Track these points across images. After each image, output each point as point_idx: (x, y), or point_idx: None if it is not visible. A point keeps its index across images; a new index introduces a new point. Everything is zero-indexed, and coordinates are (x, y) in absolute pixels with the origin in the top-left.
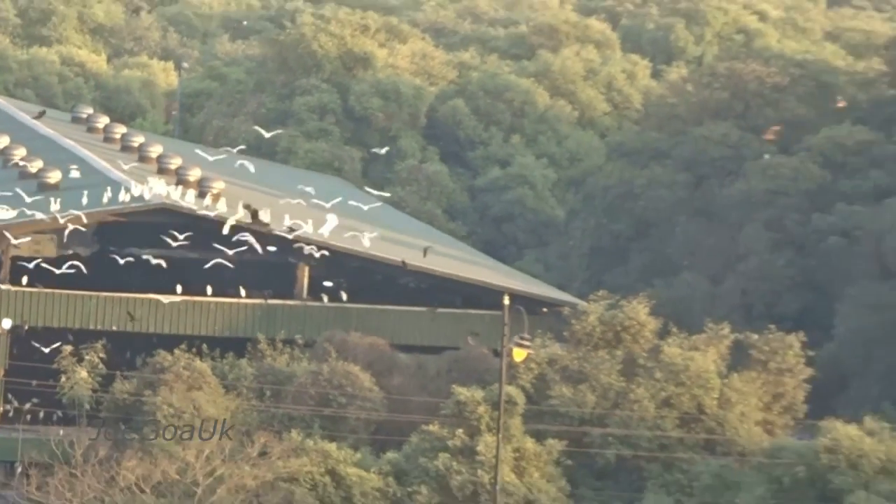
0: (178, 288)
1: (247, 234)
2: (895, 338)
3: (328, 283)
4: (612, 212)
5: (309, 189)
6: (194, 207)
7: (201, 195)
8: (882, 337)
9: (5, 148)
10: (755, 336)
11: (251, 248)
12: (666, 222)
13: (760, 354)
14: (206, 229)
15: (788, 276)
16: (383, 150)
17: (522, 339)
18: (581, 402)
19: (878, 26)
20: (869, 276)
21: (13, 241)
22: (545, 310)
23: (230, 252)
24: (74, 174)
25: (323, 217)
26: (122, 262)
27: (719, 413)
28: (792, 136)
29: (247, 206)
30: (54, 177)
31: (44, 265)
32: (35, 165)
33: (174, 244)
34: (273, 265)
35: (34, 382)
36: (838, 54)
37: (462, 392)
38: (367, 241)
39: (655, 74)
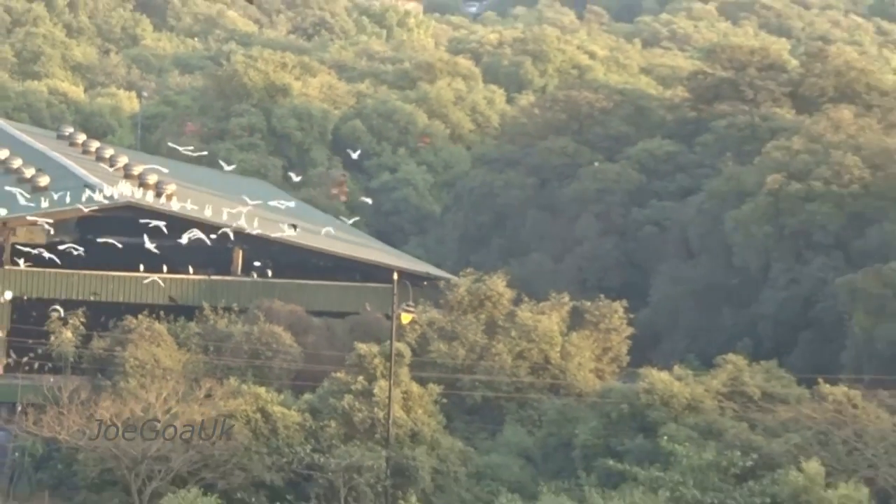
0: (141, 267)
1: (195, 229)
2: (696, 304)
3: (257, 263)
4: (476, 207)
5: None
6: (152, 204)
7: (158, 195)
8: (686, 303)
9: (6, 158)
10: (588, 303)
11: (193, 232)
12: (519, 215)
13: (592, 317)
14: (161, 219)
15: (614, 256)
16: (355, 154)
17: (408, 306)
18: (454, 355)
19: (681, 62)
20: (676, 256)
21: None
22: (425, 283)
23: (183, 240)
24: (59, 179)
25: (253, 213)
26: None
27: (561, 363)
28: (615, 147)
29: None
30: (44, 181)
31: (36, 251)
32: (29, 172)
33: (147, 237)
34: (214, 250)
35: (30, 341)
36: (651, 84)
37: (361, 347)
38: (287, 231)
39: (510, 100)
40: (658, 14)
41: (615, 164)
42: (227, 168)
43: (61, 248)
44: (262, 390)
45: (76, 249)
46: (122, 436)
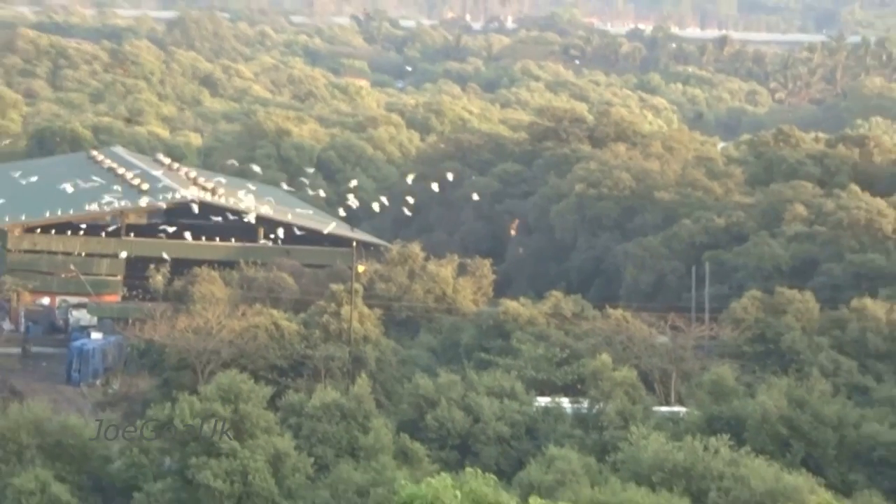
0: (203, 238)
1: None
2: (533, 261)
3: (272, 235)
4: (402, 203)
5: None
6: (208, 200)
7: (213, 194)
8: (527, 261)
9: (122, 173)
10: (469, 261)
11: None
12: (428, 208)
13: (471, 269)
14: (215, 209)
15: (484, 233)
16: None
17: (361, 262)
18: (389, 291)
19: (523, 117)
20: (521, 233)
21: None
22: (372, 248)
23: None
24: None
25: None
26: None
27: (453, 296)
28: (484, 168)
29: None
30: (145, 186)
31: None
32: (136, 181)
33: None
34: (245, 227)
35: (137, 282)
36: (506, 130)
37: (334, 286)
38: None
39: (422, 139)
40: (509, 88)
41: (484, 177)
42: (256, 169)
43: (160, 226)
44: (274, 311)
45: (167, 227)
46: (192, 337)
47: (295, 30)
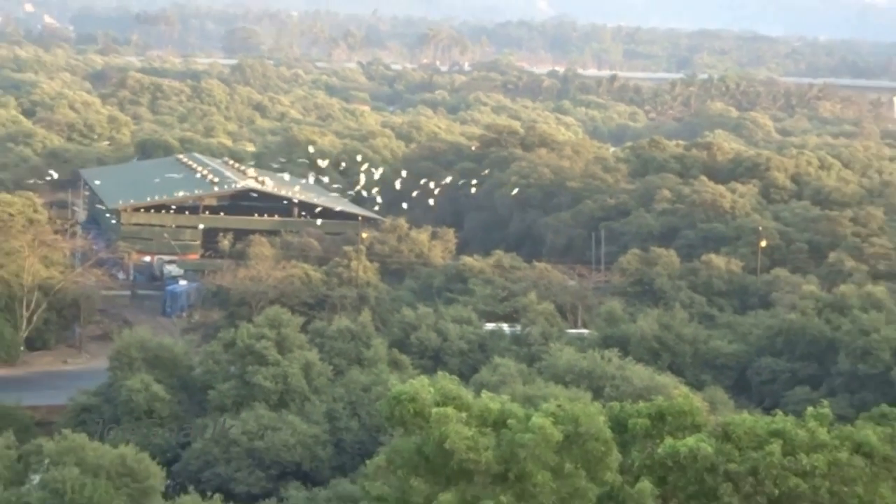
0: (255, 214)
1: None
2: (482, 231)
3: (303, 213)
4: (391, 190)
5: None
6: (259, 188)
7: (261, 183)
8: (478, 231)
9: (199, 171)
10: (437, 229)
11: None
12: (412, 193)
13: (440, 235)
14: (264, 195)
15: (449, 210)
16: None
17: (365, 231)
18: (383, 250)
19: (476, 130)
20: (474, 210)
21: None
22: (372, 221)
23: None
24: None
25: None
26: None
27: (427, 254)
28: (449, 166)
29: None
30: (215, 179)
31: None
32: (209, 176)
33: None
34: (284, 206)
35: (210, 245)
36: (463, 139)
37: (346, 248)
38: (316, 199)
39: (407, 146)
40: (466, 110)
41: (448, 172)
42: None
43: (225, 206)
44: (305, 265)
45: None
46: (248, 283)
47: (319, 72)
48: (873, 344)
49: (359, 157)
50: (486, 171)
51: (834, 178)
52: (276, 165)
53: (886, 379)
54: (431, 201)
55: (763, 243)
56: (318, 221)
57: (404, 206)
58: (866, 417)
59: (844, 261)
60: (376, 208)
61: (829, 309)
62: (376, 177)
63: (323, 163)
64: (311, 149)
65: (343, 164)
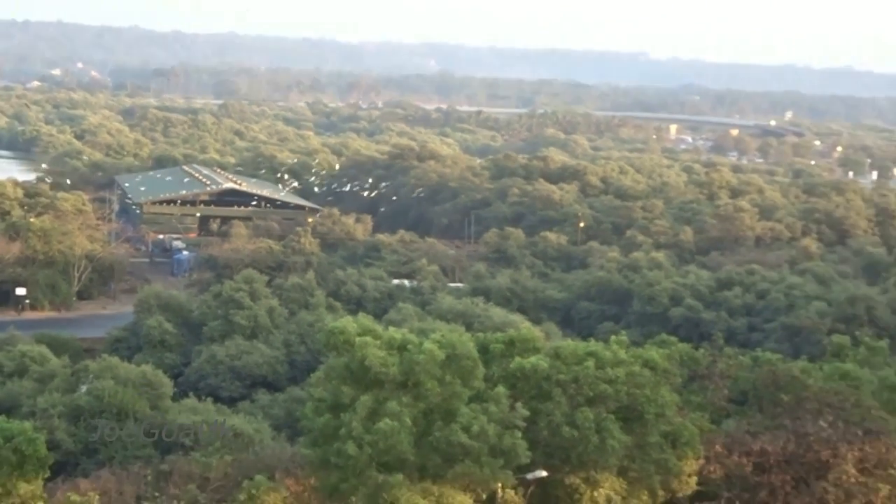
0: (235, 206)
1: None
2: (392, 217)
3: (268, 205)
4: (330, 194)
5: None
6: (238, 188)
7: (239, 185)
8: (389, 217)
9: (197, 175)
10: (361, 216)
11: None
12: (343, 191)
13: (362, 220)
14: (241, 193)
15: (369, 203)
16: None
17: (311, 218)
18: (323, 230)
19: (386, 148)
20: (388, 202)
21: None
22: (315, 210)
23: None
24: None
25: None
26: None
27: (354, 232)
28: (369, 172)
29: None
30: (207, 181)
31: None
32: (203, 179)
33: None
34: (255, 199)
35: (204, 227)
36: (378, 154)
37: (298, 229)
38: (277, 195)
39: (339, 160)
40: (380, 134)
41: (367, 176)
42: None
43: (214, 200)
44: (269, 241)
45: (217, 202)
46: (230, 253)
47: (279, 109)
48: (656, 292)
49: (307, 168)
50: (393, 177)
51: (629, 179)
52: (249, 172)
53: (666, 316)
54: (356, 197)
55: (581, 224)
56: (278, 210)
57: (336, 200)
58: (652, 343)
59: (637, 236)
60: (319, 202)
61: (626, 268)
62: (318, 180)
63: (282, 171)
64: (274, 161)
65: (297, 172)
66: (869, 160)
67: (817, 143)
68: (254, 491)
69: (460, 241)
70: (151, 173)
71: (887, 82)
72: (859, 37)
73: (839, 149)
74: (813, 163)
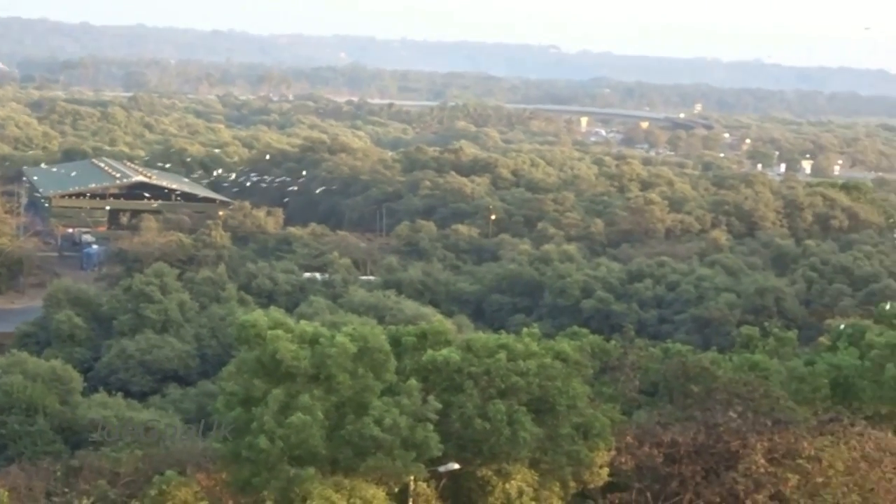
0: (145, 198)
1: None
2: (303, 209)
3: (180, 198)
4: (241, 187)
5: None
6: (147, 181)
7: (149, 178)
8: (299, 209)
9: (107, 168)
10: (272, 209)
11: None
12: (253, 183)
13: (273, 213)
14: (151, 186)
15: (279, 195)
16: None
17: (222, 211)
18: (234, 223)
19: (298, 140)
20: (299, 195)
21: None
22: (226, 204)
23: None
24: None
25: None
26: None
27: (265, 225)
28: (280, 164)
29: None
30: (117, 174)
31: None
32: (113, 172)
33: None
34: (166, 193)
35: (113, 220)
36: (290, 146)
37: (208, 222)
38: (188, 189)
39: (250, 152)
40: (291, 127)
41: (279, 170)
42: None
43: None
44: (180, 234)
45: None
46: (140, 246)
47: (189, 102)
48: (567, 285)
49: (218, 160)
50: (304, 170)
51: (541, 172)
52: (160, 166)
53: (577, 308)
54: (268, 189)
55: (493, 217)
56: (189, 204)
57: (248, 193)
58: (563, 335)
59: (548, 228)
60: (230, 195)
61: (537, 261)
62: (229, 173)
63: (195, 164)
64: (184, 154)
65: (208, 165)
66: (777, 152)
67: (726, 135)
68: (164, 486)
69: (372, 234)
70: (60, 166)
71: (795, 75)
72: (767, 30)
73: (748, 141)
74: (722, 155)
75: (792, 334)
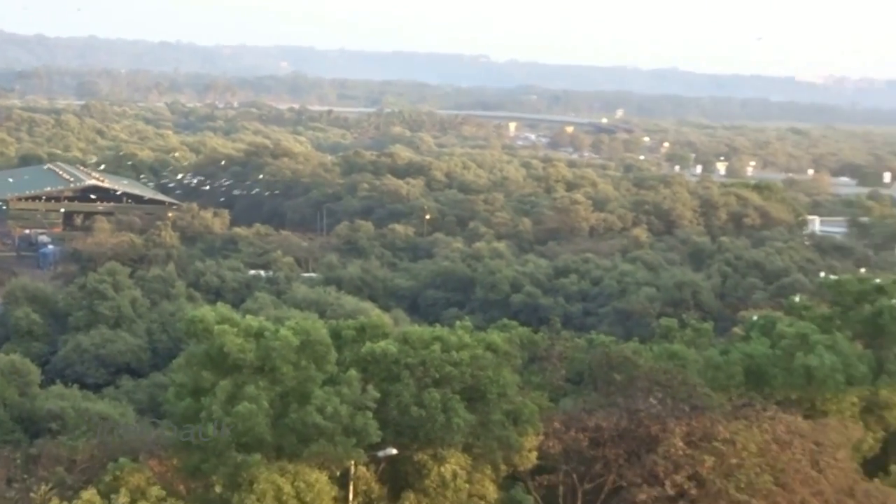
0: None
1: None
2: (247, 211)
3: (130, 200)
4: (189, 190)
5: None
6: (100, 184)
7: (102, 182)
8: (245, 211)
9: (62, 173)
10: (218, 210)
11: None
12: (197, 184)
13: (219, 214)
14: (103, 189)
15: (228, 198)
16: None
17: (171, 212)
18: (183, 224)
19: (243, 146)
20: (244, 197)
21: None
22: (174, 205)
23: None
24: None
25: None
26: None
27: (212, 226)
28: (226, 168)
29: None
30: (71, 178)
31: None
32: (67, 176)
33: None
34: (117, 196)
35: (69, 222)
36: (235, 151)
37: (158, 223)
38: (138, 191)
39: (197, 157)
40: (237, 133)
41: (225, 173)
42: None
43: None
44: (131, 234)
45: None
46: (94, 247)
47: (139, 109)
48: (497, 280)
49: (167, 165)
50: (249, 173)
51: (472, 174)
52: (112, 170)
53: (507, 302)
54: (214, 192)
55: (427, 217)
56: (140, 206)
57: (195, 195)
58: (494, 327)
59: (479, 227)
60: (178, 197)
61: (469, 258)
62: (178, 176)
63: (143, 168)
64: (134, 158)
65: (157, 169)
66: (693, 155)
67: (646, 139)
68: (118, 472)
69: (313, 234)
70: (17, 171)
71: (709, 82)
72: (683, 39)
73: (666, 144)
74: (642, 158)
75: (708, 325)
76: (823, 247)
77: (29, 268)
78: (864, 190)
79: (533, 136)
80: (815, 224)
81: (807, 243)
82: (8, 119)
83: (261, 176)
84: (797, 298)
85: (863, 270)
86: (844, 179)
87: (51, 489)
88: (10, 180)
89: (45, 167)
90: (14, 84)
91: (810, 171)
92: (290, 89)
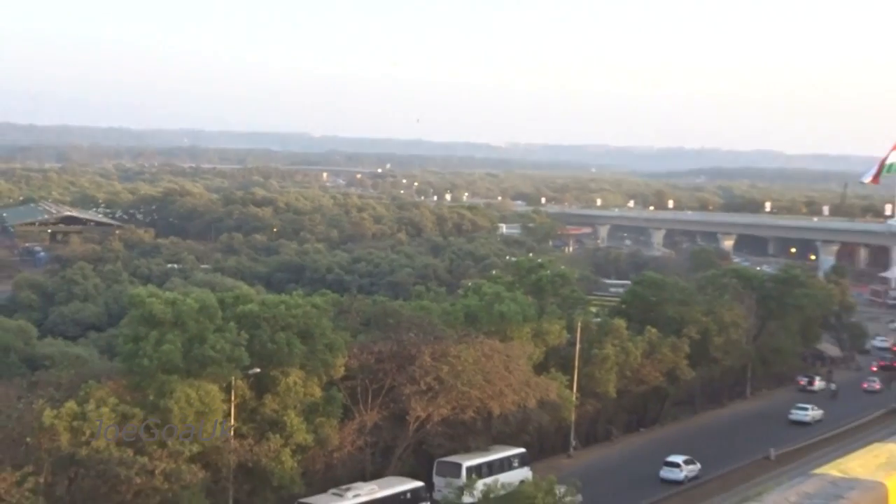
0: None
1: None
2: (168, 230)
3: (93, 223)
4: (130, 217)
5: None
6: (75, 214)
7: (78, 213)
8: (165, 231)
9: (47, 207)
10: (155, 230)
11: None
12: (149, 216)
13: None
14: (77, 218)
15: (153, 224)
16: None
17: (119, 231)
18: (131, 238)
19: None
20: (175, 216)
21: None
22: (121, 227)
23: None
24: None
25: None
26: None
27: (153, 242)
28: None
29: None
30: (54, 210)
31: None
32: (50, 208)
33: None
34: (85, 222)
35: (56, 239)
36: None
37: (110, 238)
38: (98, 217)
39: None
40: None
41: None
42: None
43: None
44: (94, 245)
45: (61, 223)
46: (69, 252)
47: (97, 169)
48: (318, 266)
49: (122, 201)
50: (166, 206)
51: (302, 203)
52: (80, 205)
53: (324, 279)
54: (165, 221)
55: (275, 229)
56: (97, 227)
57: (144, 222)
58: (316, 294)
59: (307, 235)
60: (128, 223)
61: (301, 254)
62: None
63: (99, 203)
64: (96, 198)
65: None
66: (432, 189)
67: (404, 181)
68: (88, 389)
69: (206, 242)
70: (20, 208)
71: (445, 147)
72: (421, 110)
73: (416, 184)
74: (402, 192)
75: (443, 290)
76: (508, 242)
77: (28, 267)
78: (530, 208)
79: (339, 180)
80: (503, 228)
81: (499, 240)
82: (13, 176)
83: (173, 207)
84: (494, 272)
85: (531, 255)
86: (519, 202)
87: (45, 402)
88: (16, 213)
89: (38, 205)
90: (16, 154)
91: (499, 198)
92: (190, 156)
